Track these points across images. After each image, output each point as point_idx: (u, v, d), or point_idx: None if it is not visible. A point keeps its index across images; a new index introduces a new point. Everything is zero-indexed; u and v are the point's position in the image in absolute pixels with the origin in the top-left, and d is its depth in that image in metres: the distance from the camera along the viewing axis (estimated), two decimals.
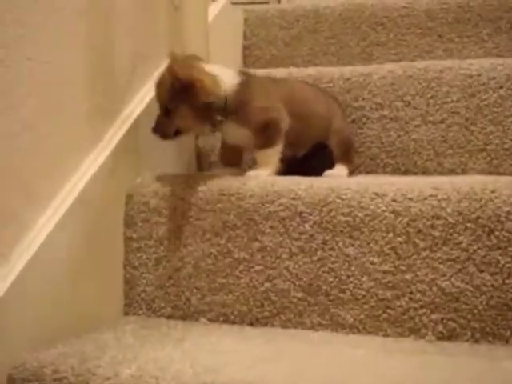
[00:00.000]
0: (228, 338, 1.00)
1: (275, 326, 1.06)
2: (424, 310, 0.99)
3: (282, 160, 1.21)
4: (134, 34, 1.24)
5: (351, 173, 1.30)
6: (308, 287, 1.05)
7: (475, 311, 0.97)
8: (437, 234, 0.99)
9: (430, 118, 1.34)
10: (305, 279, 1.05)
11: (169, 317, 1.12)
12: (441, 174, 1.33)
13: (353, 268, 1.03)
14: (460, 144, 1.33)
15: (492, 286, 0.96)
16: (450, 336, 0.98)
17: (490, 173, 1.30)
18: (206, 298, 1.10)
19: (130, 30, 1.23)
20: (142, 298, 1.14)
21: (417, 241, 1.00)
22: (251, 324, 1.07)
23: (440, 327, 0.98)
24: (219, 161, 1.33)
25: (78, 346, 0.95)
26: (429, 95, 1.35)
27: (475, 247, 0.97)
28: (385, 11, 1.72)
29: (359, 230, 1.03)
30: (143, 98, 1.24)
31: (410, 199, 1.01)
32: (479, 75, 1.33)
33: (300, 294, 1.05)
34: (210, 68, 1.17)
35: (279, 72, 1.45)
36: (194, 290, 1.11)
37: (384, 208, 1.02)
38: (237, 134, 1.20)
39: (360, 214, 1.03)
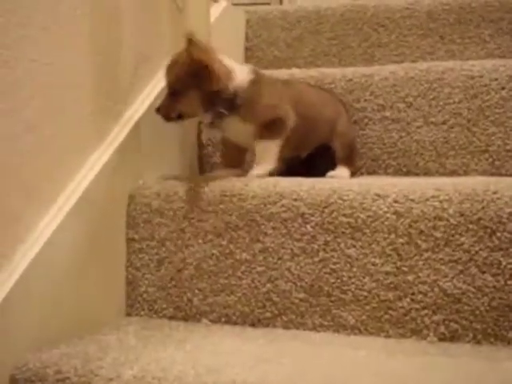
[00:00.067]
0: (230, 338, 1.01)
1: (277, 326, 1.06)
2: (426, 311, 0.99)
3: (285, 160, 1.21)
4: (137, 34, 1.24)
5: (353, 174, 1.30)
6: (310, 288, 1.05)
7: (477, 312, 0.97)
8: (439, 235, 0.99)
9: (432, 119, 1.35)
10: (306, 280, 1.05)
11: (171, 318, 1.12)
12: (443, 175, 1.33)
13: (354, 269, 1.03)
14: (462, 145, 1.33)
15: (494, 287, 0.96)
16: (451, 337, 0.98)
17: (492, 174, 1.30)
18: (207, 299, 1.10)
19: (133, 31, 1.23)
20: (143, 298, 1.14)
21: (419, 242, 1.00)
22: (253, 325, 1.07)
23: (442, 328, 0.98)
24: (221, 162, 1.33)
25: (80, 347, 0.95)
26: (431, 96, 1.35)
27: (477, 248, 0.97)
28: (386, 12, 1.72)
29: (361, 231, 1.03)
30: (146, 98, 1.24)
31: (412, 200, 1.01)
32: (481, 76, 1.33)
33: (302, 295, 1.05)
34: (226, 61, 1.18)
35: (281, 73, 1.45)
36: (196, 291, 1.11)
37: (386, 209, 1.02)
38: (239, 130, 1.20)
39: (362, 215, 1.03)
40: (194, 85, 1.13)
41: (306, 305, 1.05)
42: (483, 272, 0.97)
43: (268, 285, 1.07)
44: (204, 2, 1.42)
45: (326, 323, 1.04)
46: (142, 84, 1.25)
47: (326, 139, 1.30)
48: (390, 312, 1.00)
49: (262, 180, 1.12)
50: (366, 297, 1.02)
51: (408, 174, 1.35)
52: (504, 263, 0.96)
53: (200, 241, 1.11)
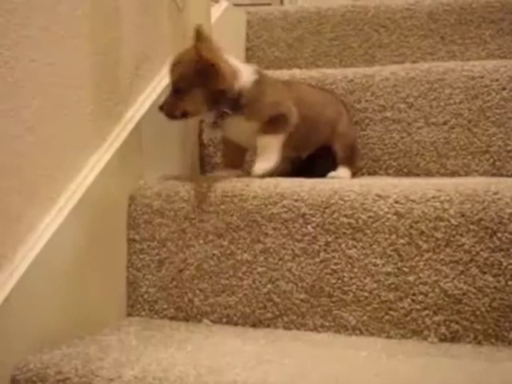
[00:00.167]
0: (231, 339, 1.00)
1: (278, 327, 1.06)
2: (427, 312, 0.99)
3: (287, 160, 1.21)
4: (137, 35, 1.24)
5: (354, 175, 1.30)
6: (311, 289, 1.05)
7: (478, 313, 0.97)
8: (439, 235, 0.99)
9: (433, 120, 1.35)
10: (307, 281, 1.05)
11: (172, 318, 1.12)
12: (443, 175, 1.33)
13: (355, 270, 1.03)
14: (463, 146, 1.33)
15: (495, 287, 0.96)
16: (452, 338, 0.98)
17: (493, 174, 1.30)
18: (208, 300, 1.10)
19: (133, 32, 1.23)
20: (144, 299, 1.14)
21: (419, 242, 1.00)
22: (254, 325, 1.07)
23: (443, 329, 0.98)
24: (221, 162, 1.33)
25: (81, 348, 0.95)
26: (431, 97, 1.35)
27: (478, 249, 0.97)
28: (387, 13, 1.72)
29: (362, 232, 1.03)
30: (146, 98, 1.24)
31: (413, 201, 1.01)
32: (482, 77, 1.33)
33: (303, 296, 1.05)
34: (232, 61, 1.18)
35: (282, 74, 1.45)
36: (197, 292, 1.11)
37: (387, 210, 1.02)
38: (242, 129, 1.19)
39: (363, 216, 1.03)
40: (199, 83, 1.13)
41: (307, 305, 1.05)
42: (484, 272, 0.97)
43: (269, 285, 1.07)
44: (204, 1, 1.42)
45: (327, 324, 1.04)
46: (143, 84, 1.25)
47: (327, 140, 1.30)
48: (391, 313, 1.00)
49: (262, 180, 1.12)
50: (366, 297, 1.02)
51: (409, 174, 1.35)
52: (505, 264, 0.96)
53: (201, 241, 1.11)
